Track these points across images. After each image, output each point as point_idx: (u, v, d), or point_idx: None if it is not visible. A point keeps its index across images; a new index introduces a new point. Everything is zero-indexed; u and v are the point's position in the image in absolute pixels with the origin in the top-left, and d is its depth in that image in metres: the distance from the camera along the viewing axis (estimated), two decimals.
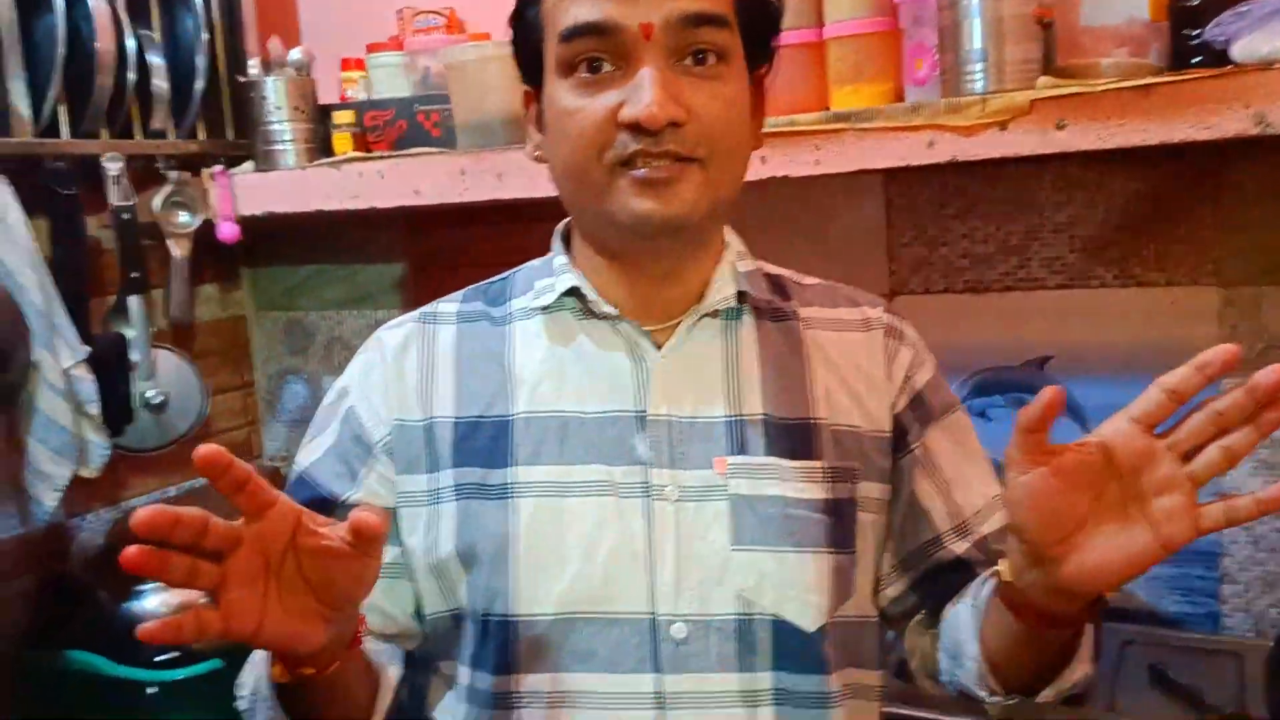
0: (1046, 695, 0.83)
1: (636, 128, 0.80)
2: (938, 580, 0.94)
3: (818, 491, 0.88)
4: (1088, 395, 1.50)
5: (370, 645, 0.87)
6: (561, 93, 0.84)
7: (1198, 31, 1.19)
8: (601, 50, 0.81)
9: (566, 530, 0.85)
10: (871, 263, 1.61)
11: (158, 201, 1.63)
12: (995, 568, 0.87)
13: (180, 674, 1.46)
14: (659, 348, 0.90)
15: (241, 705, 0.90)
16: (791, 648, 0.85)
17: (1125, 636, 1.43)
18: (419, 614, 0.92)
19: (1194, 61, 1.19)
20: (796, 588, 0.86)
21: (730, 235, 0.96)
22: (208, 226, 1.70)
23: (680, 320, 0.90)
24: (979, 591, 0.87)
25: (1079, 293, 1.50)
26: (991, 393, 1.57)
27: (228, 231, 1.67)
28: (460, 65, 1.52)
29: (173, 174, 1.63)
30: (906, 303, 1.59)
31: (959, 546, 0.94)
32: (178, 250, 1.66)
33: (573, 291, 0.91)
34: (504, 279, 0.99)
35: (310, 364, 2.07)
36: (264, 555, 0.69)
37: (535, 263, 0.98)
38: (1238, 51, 1.13)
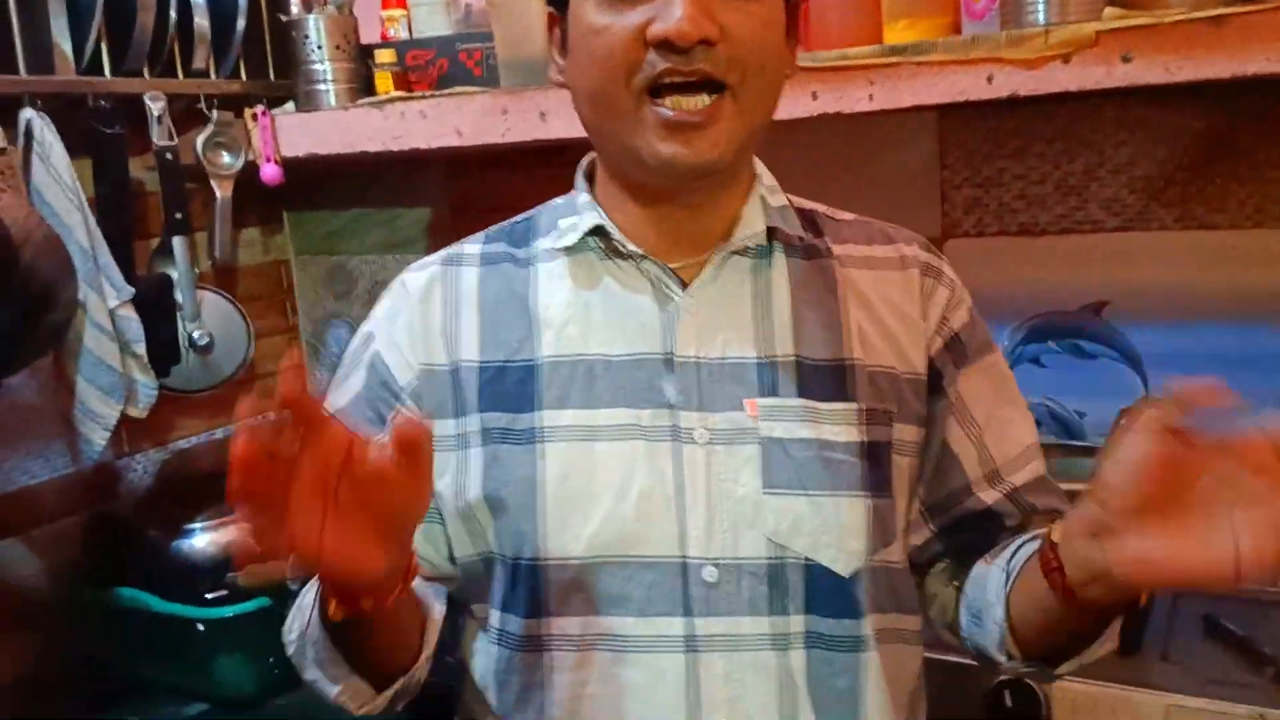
0: (1066, 668, 0.83)
1: (666, 45, 0.78)
2: (964, 529, 0.93)
3: (852, 434, 0.86)
4: (1146, 341, 1.47)
5: (416, 584, 0.86)
6: (587, 9, 0.82)
7: None
8: None
9: (595, 474, 0.85)
10: (924, 204, 1.57)
11: (200, 142, 1.62)
12: (1039, 531, 0.85)
13: (229, 611, 1.47)
14: (685, 286, 0.88)
15: (290, 650, 0.91)
16: (824, 592, 0.85)
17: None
18: (452, 557, 0.92)
19: None
20: (831, 532, 0.85)
21: (760, 167, 0.93)
22: (249, 169, 1.69)
23: (708, 257, 0.89)
24: (1013, 555, 0.85)
25: (1138, 235, 1.45)
26: (1046, 338, 1.53)
27: (271, 173, 1.66)
28: (503, 1, 1.49)
29: (215, 114, 1.62)
30: (959, 245, 1.55)
31: (989, 496, 0.92)
32: (221, 191, 1.65)
33: (596, 230, 0.89)
34: (527, 218, 0.97)
35: (354, 309, 2.07)
36: (321, 480, 0.67)
37: (558, 201, 0.97)
38: None
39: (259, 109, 1.66)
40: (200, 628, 1.49)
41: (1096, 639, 0.81)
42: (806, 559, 0.84)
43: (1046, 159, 1.49)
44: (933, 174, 1.56)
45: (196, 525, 1.59)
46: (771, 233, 0.90)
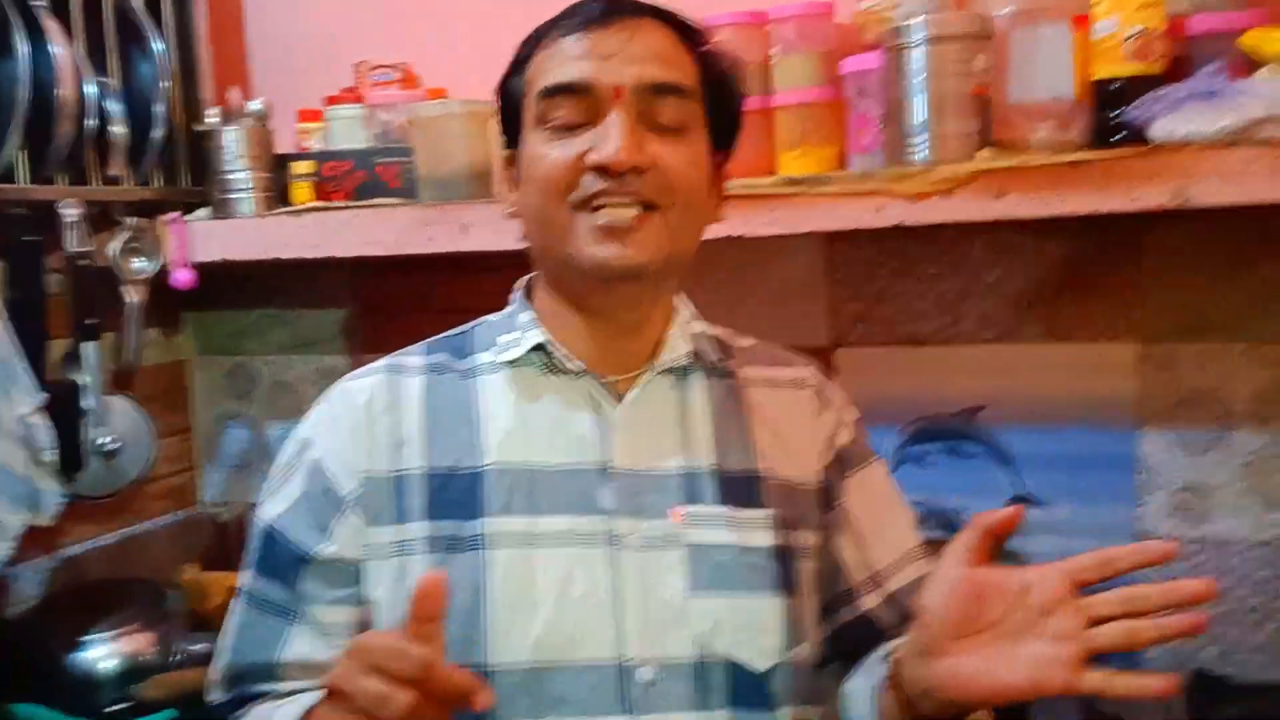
0: None
1: (602, 170, 0.87)
2: (849, 632, 1.00)
3: (766, 539, 0.94)
4: (1016, 443, 1.60)
5: None
6: (535, 142, 0.91)
7: (1118, 111, 1.30)
8: (576, 106, 0.89)
9: (537, 579, 0.89)
10: (813, 315, 1.68)
11: (114, 247, 1.62)
12: (897, 642, 0.93)
13: None
14: (617, 400, 0.95)
15: None
16: (745, 687, 0.91)
17: None
18: None
19: (1115, 139, 1.30)
20: (749, 630, 0.91)
21: (680, 299, 1.02)
22: (162, 274, 1.70)
23: (638, 374, 0.96)
24: (877, 669, 0.92)
25: (1008, 347, 1.59)
26: (927, 440, 1.65)
27: (184, 278, 1.67)
28: (425, 120, 1.57)
29: (129, 220, 1.63)
30: (847, 355, 1.67)
31: (869, 601, 1.00)
32: (133, 296, 1.65)
33: (539, 347, 0.95)
34: (462, 333, 1.03)
35: (253, 408, 2.07)
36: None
37: (493, 318, 1.03)
38: (1157, 131, 1.24)
39: (172, 216, 1.67)
40: None
41: None
42: (728, 657, 0.90)
43: (926, 278, 1.63)
44: (821, 289, 1.68)
45: (92, 637, 1.56)
46: (693, 356, 0.98)
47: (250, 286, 2.00)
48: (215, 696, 0.98)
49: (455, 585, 0.88)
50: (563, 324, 0.96)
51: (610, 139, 0.87)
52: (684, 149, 0.91)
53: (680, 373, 0.99)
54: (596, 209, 0.88)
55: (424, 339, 1.04)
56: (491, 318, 1.03)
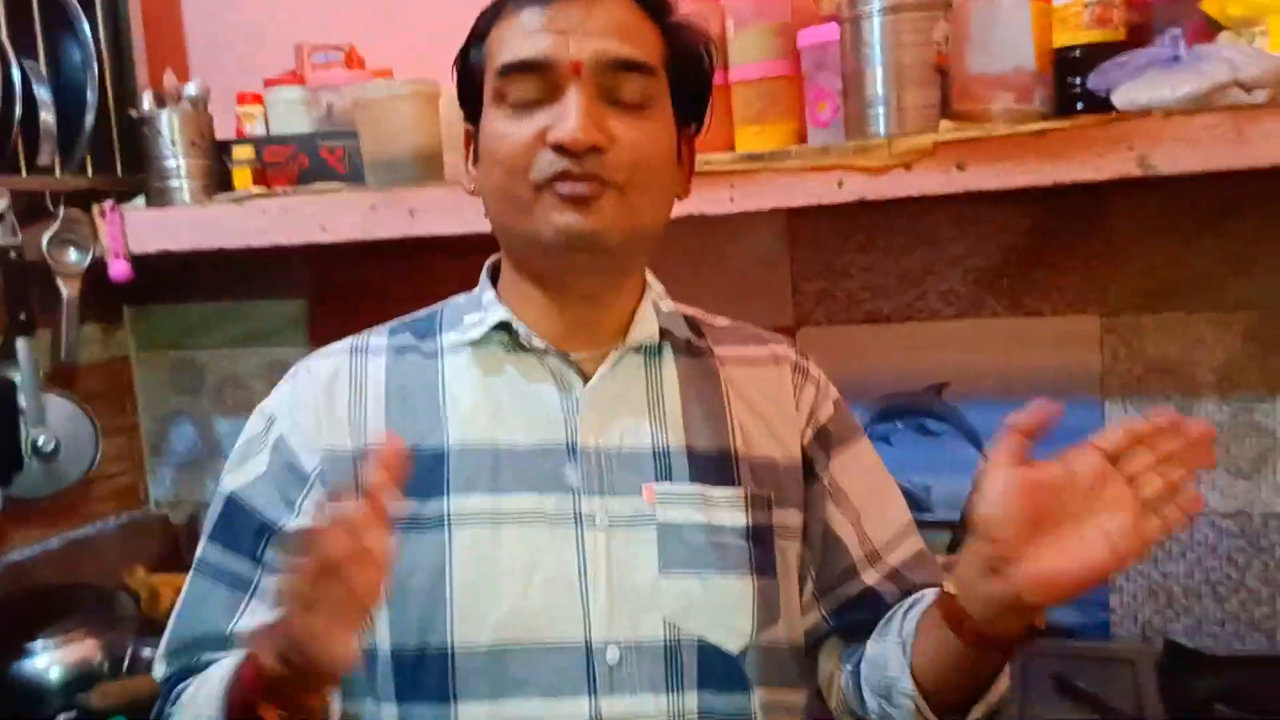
0: (976, 711, 0.88)
1: (561, 149, 0.85)
2: (851, 610, 1.00)
3: (740, 518, 0.92)
4: (983, 418, 1.59)
5: None
6: (495, 119, 0.89)
7: (1079, 80, 1.28)
8: (535, 84, 0.87)
9: (502, 559, 0.88)
10: (776, 295, 1.66)
11: (46, 239, 1.56)
12: (920, 594, 0.92)
13: None
14: (585, 379, 0.93)
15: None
16: (715, 669, 0.90)
17: (1027, 651, 1.50)
18: None
19: (1078, 108, 1.28)
20: (721, 611, 0.90)
21: (651, 277, 1.00)
22: (96, 266, 1.64)
23: (606, 353, 0.94)
24: (904, 627, 0.92)
25: (972, 322, 1.58)
26: (893, 418, 1.63)
27: (120, 270, 1.61)
28: (370, 102, 1.51)
29: (61, 210, 1.57)
30: (810, 334, 1.64)
31: (870, 577, 0.99)
32: (68, 290, 1.59)
33: (502, 325, 0.94)
34: (429, 314, 1.02)
35: (201, 404, 2.01)
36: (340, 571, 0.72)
37: (460, 298, 1.01)
38: (1118, 99, 1.23)
39: (107, 205, 1.61)
40: None
41: (994, 679, 0.86)
42: (699, 638, 0.89)
43: (889, 254, 1.61)
44: (784, 267, 1.65)
45: (39, 644, 1.51)
46: (663, 334, 0.96)
47: (192, 279, 1.94)
48: (159, 671, 0.96)
49: (418, 565, 0.88)
50: (527, 302, 0.94)
51: (569, 118, 0.85)
52: (645, 126, 0.89)
53: (651, 350, 0.97)
54: (557, 184, 0.87)
55: (329, 345, 1.01)
56: (457, 298, 1.02)
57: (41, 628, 1.52)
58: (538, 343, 0.93)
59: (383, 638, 0.89)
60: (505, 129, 0.88)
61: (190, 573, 0.96)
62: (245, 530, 0.93)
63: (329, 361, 0.97)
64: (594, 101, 0.86)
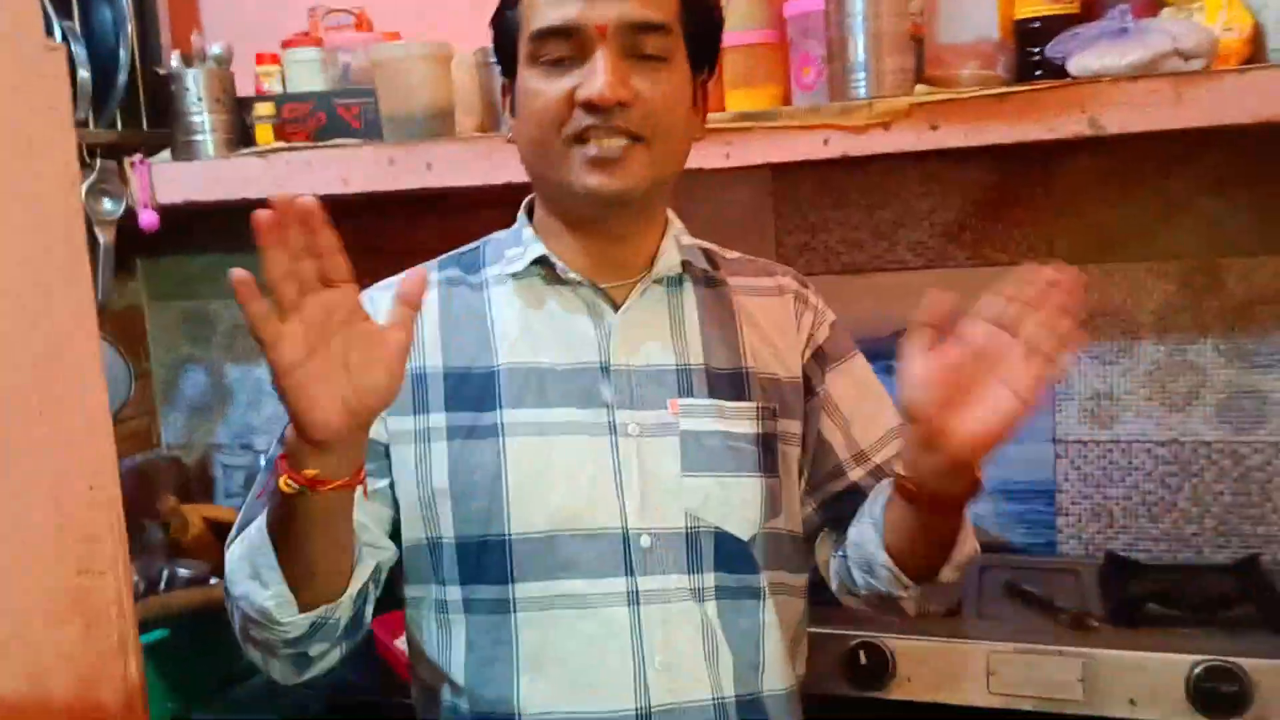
0: (947, 573, 1.01)
1: (590, 106, 0.95)
2: (837, 502, 1.13)
3: (751, 427, 1.06)
4: None
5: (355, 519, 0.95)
6: (529, 78, 1.00)
7: (1038, 49, 1.43)
8: (564, 47, 0.97)
9: (550, 462, 1.01)
10: (760, 247, 1.78)
11: (84, 189, 1.66)
12: (884, 481, 1.06)
13: None
14: (615, 307, 1.06)
15: (228, 567, 0.97)
16: (730, 552, 1.03)
17: (982, 563, 1.67)
18: (395, 539, 1.05)
19: (1036, 74, 1.43)
20: (734, 505, 1.03)
21: (671, 214, 1.12)
22: (127, 215, 1.73)
23: (634, 283, 1.06)
24: (873, 509, 1.05)
25: (938, 272, 1.73)
26: (868, 361, 1.78)
27: (149, 219, 1.71)
28: (388, 62, 1.62)
29: (98, 162, 1.66)
30: None
31: (855, 474, 1.13)
32: (104, 237, 1.69)
33: (540, 260, 1.05)
34: (474, 249, 1.13)
35: (211, 352, 2.11)
36: (324, 322, 0.81)
37: (502, 234, 1.13)
38: (1073, 66, 1.37)
39: (137, 157, 1.71)
40: None
41: (956, 543, 0.99)
42: (716, 527, 1.03)
43: (862, 208, 1.76)
44: (768, 222, 1.80)
45: None
46: (684, 266, 1.09)
47: (207, 230, 2.03)
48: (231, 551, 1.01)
49: (476, 467, 1.00)
50: (561, 239, 1.06)
51: (597, 76, 0.95)
52: (665, 80, 0.99)
53: (673, 281, 1.09)
54: (587, 141, 0.97)
55: (387, 278, 1.09)
56: (499, 235, 1.12)
57: None
58: (573, 275, 1.04)
59: (447, 530, 1.02)
60: (539, 86, 0.98)
61: (260, 472, 1.07)
62: None
63: (388, 294, 1.02)
64: (619, 61, 0.96)
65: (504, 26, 1.04)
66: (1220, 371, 1.63)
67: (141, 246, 2.02)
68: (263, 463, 1.08)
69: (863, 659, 1.40)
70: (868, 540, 1.05)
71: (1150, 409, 1.67)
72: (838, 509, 1.13)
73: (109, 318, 2.00)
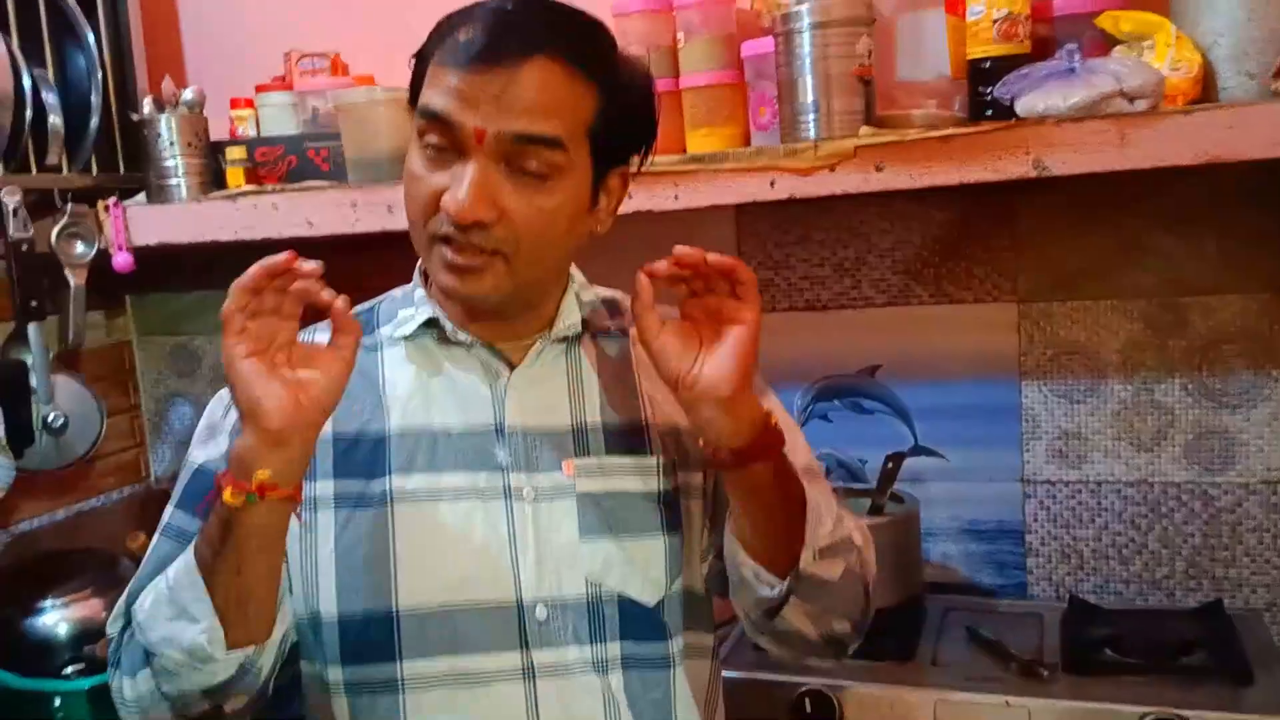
0: (806, 558, 0.96)
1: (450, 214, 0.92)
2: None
3: (651, 484, 1.03)
4: (911, 397, 1.73)
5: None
6: (413, 153, 0.96)
7: (989, 88, 1.42)
8: (443, 138, 0.92)
9: (441, 531, 0.98)
10: None
11: (55, 233, 1.70)
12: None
13: (86, 683, 1.53)
14: (511, 366, 1.03)
15: (134, 626, 0.96)
16: (635, 619, 1.01)
17: (946, 604, 1.65)
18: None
19: (987, 114, 1.42)
20: (637, 567, 1.00)
21: (573, 269, 1.09)
22: (101, 257, 1.77)
23: (531, 343, 1.04)
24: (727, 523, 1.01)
25: (901, 309, 1.72)
26: (831, 397, 1.78)
27: (123, 261, 1.74)
28: (351, 106, 1.65)
29: (69, 206, 1.70)
30: None
31: None
32: (75, 279, 1.72)
33: (431, 322, 1.03)
34: (369, 309, 1.10)
35: (198, 386, 2.15)
36: (273, 332, 0.88)
37: (397, 293, 1.11)
38: (1020, 107, 1.36)
39: (111, 201, 1.74)
40: (58, 701, 1.54)
41: (804, 524, 0.96)
42: (619, 593, 1.00)
43: (825, 246, 1.75)
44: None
45: (48, 602, 1.64)
46: (585, 324, 1.06)
47: (189, 270, 2.08)
48: (114, 626, 1.02)
49: (364, 537, 0.98)
50: (453, 303, 1.02)
51: (460, 188, 0.90)
52: (543, 198, 0.93)
53: (571, 338, 1.06)
54: (448, 242, 0.94)
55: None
56: (395, 293, 1.10)
57: (50, 589, 1.65)
58: (463, 337, 1.02)
59: (328, 605, 0.98)
60: (417, 169, 0.94)
61: (156, 535, 1.04)
62: (209, 495, 1.00)
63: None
64: (490, 173, 0.91)
65: (414, 77, 0.98)
66: (1188, 411, 1.61)
67: (130, 284, 2.07)
68: (161, 525, 1.06)
69: (808, 707, 1.39)
70: (730, 549, 1.01)
71: (1119, 448, 1.65)
72: None
73: (97, 353, 2.04)
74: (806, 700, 1.39)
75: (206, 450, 1.05)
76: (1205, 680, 1.35)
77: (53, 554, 1.83)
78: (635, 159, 1.03)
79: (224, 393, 1.06)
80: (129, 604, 1.00)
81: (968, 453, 1.71)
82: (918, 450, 1.73)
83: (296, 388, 0.87)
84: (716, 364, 0.91)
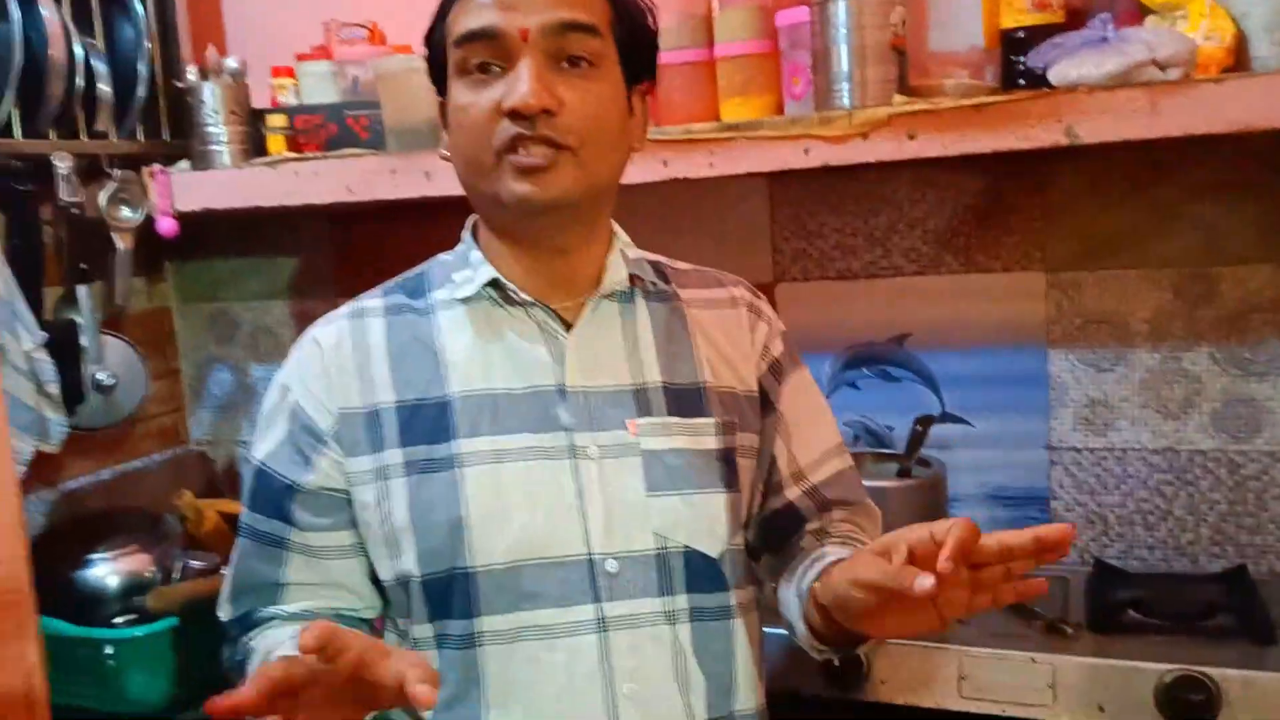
0: (864, 649, 1.08)
1: (515, 114, 0.93)
2: (774, 521, 1.13)
3: (711, 443, 1.05)
4: (940, 366, 1.76)
5: None
6: (457, 91, 0.98)
7: (1022, 57, 1.43)
8: (487, 54, 0.95)
9: (508, 491, 0.99)
10: (757, 254, 1.82)
11: (103, 197, 1.74)
12: (819, 565, 1.04)
13: (138, 631, 1.58)
14: (568, 327, 1.05)
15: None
16: (700, 572, 1.03)
17: None
18: (376, 581, 1.06)
19: (1020, 83, 1.44)
20: (702, 523, 1.03)
21: (616, 227, 1.11)
22: (147, 222, 1.82)
23: (584, 301, 1.05)
24: (801, 584, 1.05)
25: (931, 278, 1.74)
26: (860, 366, 1.80)
27: (167, 226, 1.79)
28: (390, 75, 1.68)
29: (117, 172, 1.74)
30: (788, 289, 1.81)
31: (792, 492, 1.13)
32: (122, 243, 1.77)
33: (492, 283, 1.04)
34: (418, 274, 1.12)
35: (236, 352, 2.19)
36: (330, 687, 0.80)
37: (446, 256, 1.10)
38: (1053, 75, 1.38)
39: (156, 167, 1.79)
40: (109, 649, 1.59)
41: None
42: (686, 546, 1.02)
43: (857, 215, 1.77)
44: (764, 228, 1.82)
45: (96, 556, 1.69)
46: (632, 280, 1.08)
47: (230, 236, 2.12)
48: (224, 612, 1.09)
49: (435, 501, 1.00)
50: (507, 261, 1.04)
51: (520, 84, 0.93)
52: (594, 87, 0.97)
53: (624, 297, 1.07)
54: (516, 150, 0.95)
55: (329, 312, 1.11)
56: (444, 256, 1.11)
57: (99, 543, 1.70)
58: (525, 297, 1.03)
59: (412, 569, 1.01)
60: (467, 99, 0.96)
61: (238, 535, 1.08)
62: (273, 494, 1.04)
63: (332, 328, 1.06)
64: (544, 68, 0.94)
65: (434, 42, 1.03)
66: (1216, 380, 1.62)
67: (172, 250, 2.12)
68: (240, 525, 1.09)
69: (837, 661, 1.42)
70: (789, 609, 1.08)
71: (1145, 416, 1.67)
72: (773, 531, 1.14)
73: (138, 318, 2.09)
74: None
75: (265, 443, 1.07)
76: (1228, 640, 1.37)
77: (100, 512, 1.89)
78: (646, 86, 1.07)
79: (277, 377, 1.08)
80: (231, 600, 1.08)
81: (994, 420, 1.73)
82: (945, 417, 1.75)
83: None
84: (895, 626, 0.92)
